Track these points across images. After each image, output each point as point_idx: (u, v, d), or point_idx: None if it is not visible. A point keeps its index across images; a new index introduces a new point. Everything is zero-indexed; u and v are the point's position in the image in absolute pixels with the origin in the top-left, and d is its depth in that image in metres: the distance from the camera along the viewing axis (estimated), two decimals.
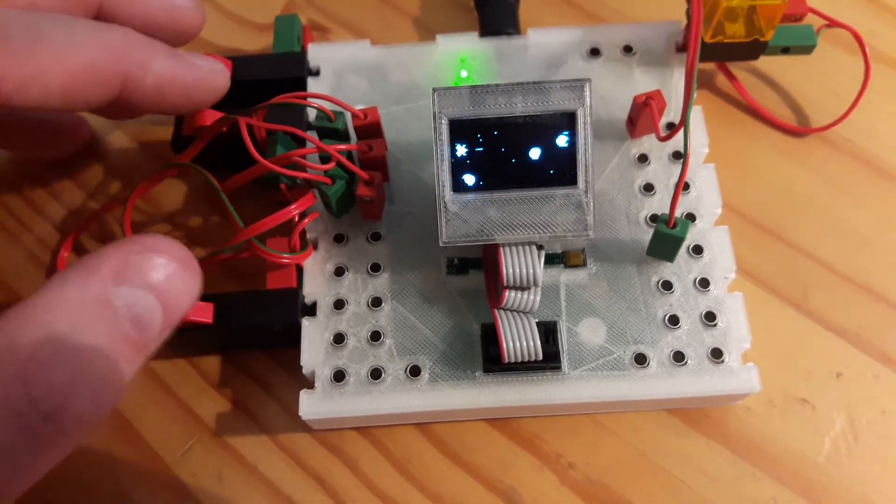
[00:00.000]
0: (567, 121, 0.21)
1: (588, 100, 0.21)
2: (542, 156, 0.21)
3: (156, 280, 0.18)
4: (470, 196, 0.21)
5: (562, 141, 0.21)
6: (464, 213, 0.21)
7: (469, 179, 0.21)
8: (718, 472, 0.23)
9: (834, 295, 0.25)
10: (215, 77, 0.23)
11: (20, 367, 0.16)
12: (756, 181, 0.27)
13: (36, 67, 0.19)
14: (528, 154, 0.21)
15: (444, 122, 0.21)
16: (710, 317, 0.23)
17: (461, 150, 0.21)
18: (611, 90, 0.26)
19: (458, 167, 0.21)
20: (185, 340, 0.24)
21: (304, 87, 0.27)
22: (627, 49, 0.27)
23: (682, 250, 0.23)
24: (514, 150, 0.21)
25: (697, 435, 0.23)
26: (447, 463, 0.23)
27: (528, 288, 0.22)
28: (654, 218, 0.24)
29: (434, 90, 0.21)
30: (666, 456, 0.23)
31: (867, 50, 0.26)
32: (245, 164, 0.23)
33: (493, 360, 0.22)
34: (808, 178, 0.27)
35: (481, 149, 0.21)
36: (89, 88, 0.20)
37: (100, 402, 0.17)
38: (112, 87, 0.21)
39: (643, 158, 0.25)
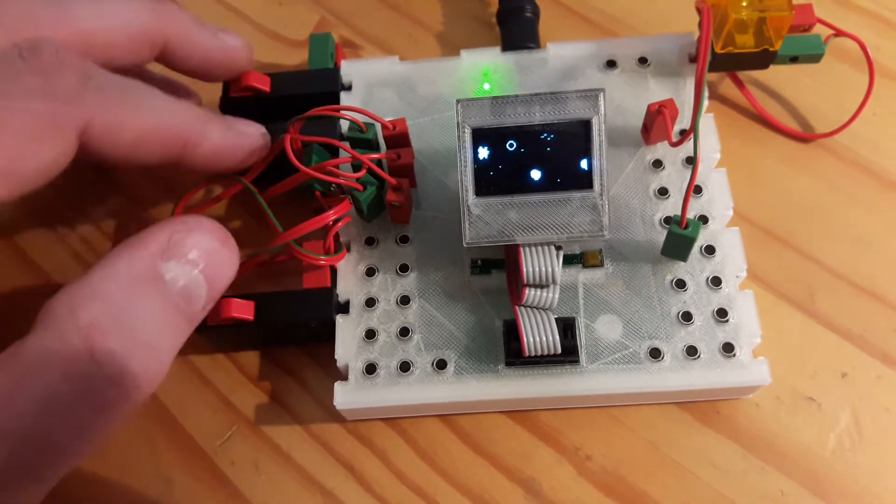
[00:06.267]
0: (583, 128, 0.22)
1: (602, 108, 0.22)
2: (559, 161, 0.22)
3: (199, 256, 0.20)
4: (492, 199, 0.22)
5: (578, 147, 0.22)
6: (486, 216, 0.22)
7: (491, 184, 0.22)
8: (728, 465, 0.23)
9: (840, 299, 0.25)
10: (260, 141, 0.25)
11: (84, 333, 0.17)
12: (765, 189, 0.27)
13: (117, 121, 0.21)
14: (546, 160, 0.22)
15: (468, 130, 0.22)
16: (721, 313, 0.23)
17: (483, 157, 0.22)
18: (627, 99, 0.27)
19: (480, 172, 0.22)
20: (226, 336, 0.25)
21: (337, 100, 0.28)
22: (642, 60, 0.28)
23: (695, 250, 0.24)
24: (532, 156, 0.22)
25: (708, 430, 0.24)
26: (470, 454, 0.24)
27: (548, 286, 0.23)
28: (667, 220, 0.25)
29: (457, 101, 0.22)
30: (678, 449, 0.24)
31: (873, 63, 0.26)
32: (278, 172, 0.25)
33: (514, 354, 0.23)
34: (815, 187, 0.27)
35: (502, 155, 0.22)
36: (152, 148, 0.22)
37: (156, 366, 0.19)
38: (171, 150, 0.23)
39: (658, 164, 0.26)
